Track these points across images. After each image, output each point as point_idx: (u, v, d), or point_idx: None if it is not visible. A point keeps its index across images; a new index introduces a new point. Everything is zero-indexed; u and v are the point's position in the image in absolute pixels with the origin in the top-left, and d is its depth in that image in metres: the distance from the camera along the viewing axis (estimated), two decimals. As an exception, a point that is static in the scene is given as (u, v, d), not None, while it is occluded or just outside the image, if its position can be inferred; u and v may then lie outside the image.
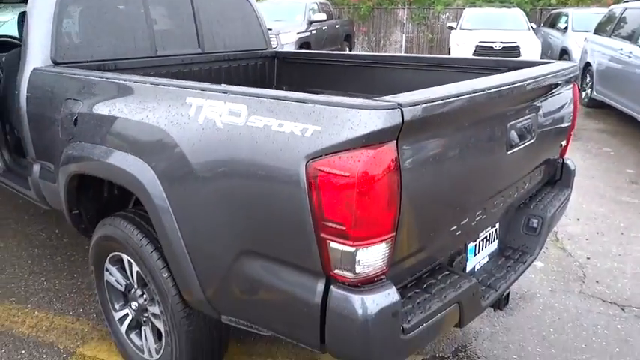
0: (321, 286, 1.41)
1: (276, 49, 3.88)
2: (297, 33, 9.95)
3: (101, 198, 2.43)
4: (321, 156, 1.32)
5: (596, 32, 8.41)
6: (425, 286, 1.65)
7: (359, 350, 1.41)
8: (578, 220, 4.06)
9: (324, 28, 11.24)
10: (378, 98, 1.34)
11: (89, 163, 1.99)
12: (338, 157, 1.30)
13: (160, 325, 2.04)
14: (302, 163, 1.34)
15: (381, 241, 1.36)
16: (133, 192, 1.81)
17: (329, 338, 1.44)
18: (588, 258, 3.44)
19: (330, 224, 1.33)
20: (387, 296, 1.37)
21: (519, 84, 1.72)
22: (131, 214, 2.08)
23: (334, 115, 1.32)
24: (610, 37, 7.71)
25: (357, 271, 1.36)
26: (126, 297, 2.29)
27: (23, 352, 2.51)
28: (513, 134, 1.82)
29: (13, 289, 3.07)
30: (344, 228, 1.32)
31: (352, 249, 1.33)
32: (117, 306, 2.34)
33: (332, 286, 1.39)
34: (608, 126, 7.30)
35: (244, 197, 1.49)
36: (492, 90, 1.58)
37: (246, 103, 1.50)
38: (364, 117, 1.28)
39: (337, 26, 12.39)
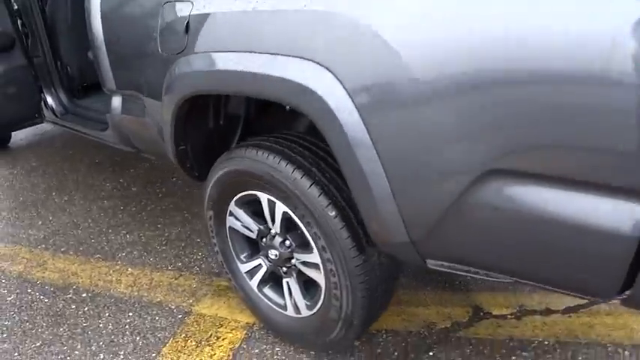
0: None
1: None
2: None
3: (207, 130, 2.00)
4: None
5: None
6: None
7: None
8: None
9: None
10: None
11: (224, 76, 1.53)
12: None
13: (318, 276, 1.66)
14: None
15: None
16: (307, 114, 1.36)
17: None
18: None
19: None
20: None
21: None
22: (273, 142, 1.65)
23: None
24: None
25: None
26: (256, 245, 1.91)
27: (130, 314, 2.17)
28: None
29: (94, 245, 2.71)
30: None
31: None
32: (243, 256, 1.96)
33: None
34: None
35: (517, 106, 1.04)
36: None
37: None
38: None
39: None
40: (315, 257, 1.62)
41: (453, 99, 1.10)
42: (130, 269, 2.48)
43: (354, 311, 1.59)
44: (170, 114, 1.80)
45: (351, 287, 1.55)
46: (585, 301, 2.02)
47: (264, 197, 1.70)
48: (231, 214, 1.87)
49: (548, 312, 2.01)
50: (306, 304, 1.77)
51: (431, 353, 1.85)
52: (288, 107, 1.94)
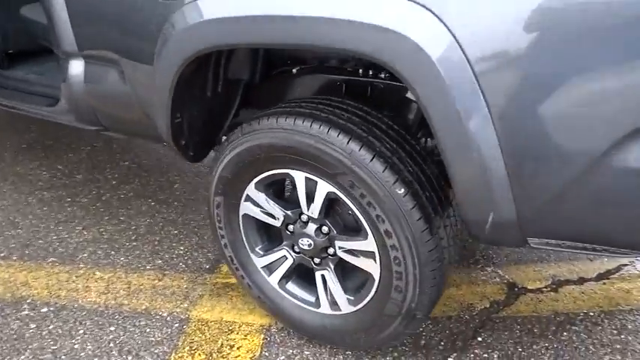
0: None
1: None
2: None
3: (205, 98, 1.64)
4: None
5: None
6: None
7: None
8: None
9: None
10: None
11: (263, 24, 1.18)
12: None
13: (371, 266, 1.40)
14: None
15: None
16: (392, 67, 1.07)
17: None
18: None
19: None
20: None
21: None
22: (311, 109, 1.34)
23: None
24: None
25: None
26: (276, 235, 1.60)
27: (112, 329, 1.78)
28: None
29: (44, 246, 2.23)
30: None
31: None
32: (258, 249, 1.65)
33: None
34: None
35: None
36: None
37: None
38: None
39: None
40: (369, 244, 1.36)
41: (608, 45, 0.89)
42: (97, 273, 2.06)
43: (420, 303, 1.36)
44: (169, 78, 1.43)
45: (419, 276, 1.31)
46: (613, 265, 1.93)
47: (299, 176, 1.40)
48: (249, 199, 1.55)
49: (582, 280, 1.94)
50: (348, 299, 1.51)
51: (479, 339, 1.68)
52: (297, 67, 1.67)
